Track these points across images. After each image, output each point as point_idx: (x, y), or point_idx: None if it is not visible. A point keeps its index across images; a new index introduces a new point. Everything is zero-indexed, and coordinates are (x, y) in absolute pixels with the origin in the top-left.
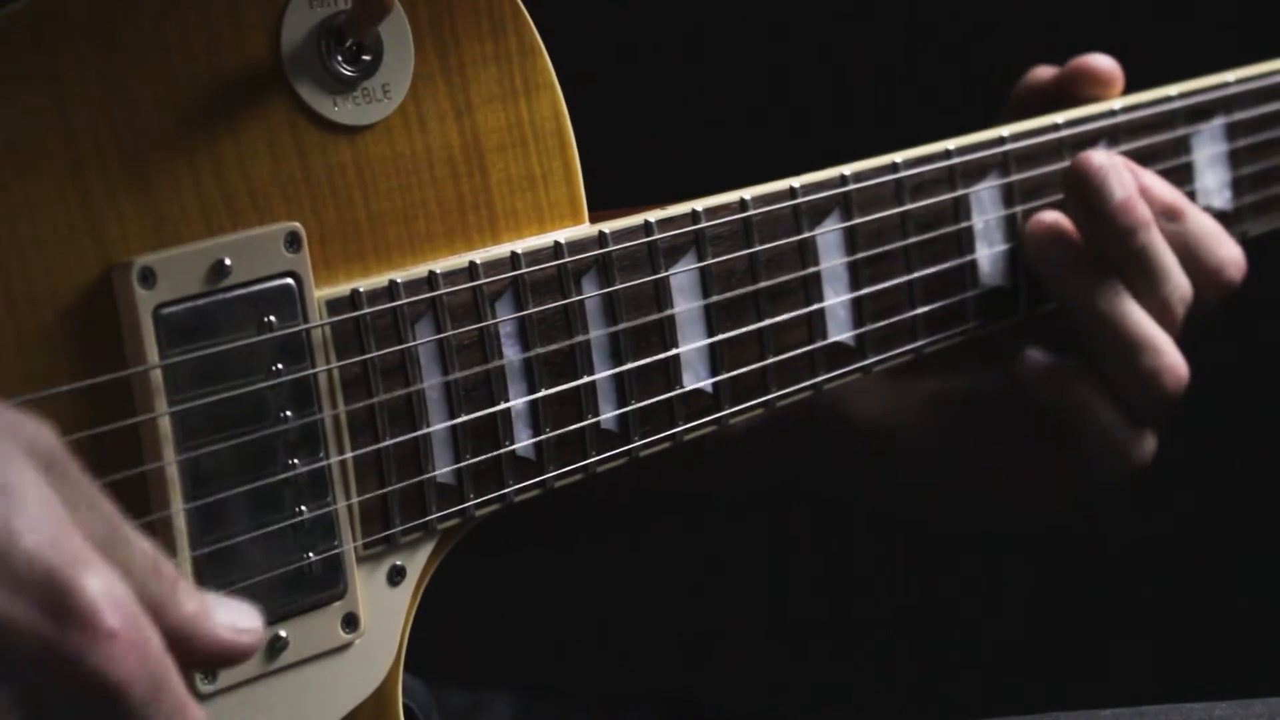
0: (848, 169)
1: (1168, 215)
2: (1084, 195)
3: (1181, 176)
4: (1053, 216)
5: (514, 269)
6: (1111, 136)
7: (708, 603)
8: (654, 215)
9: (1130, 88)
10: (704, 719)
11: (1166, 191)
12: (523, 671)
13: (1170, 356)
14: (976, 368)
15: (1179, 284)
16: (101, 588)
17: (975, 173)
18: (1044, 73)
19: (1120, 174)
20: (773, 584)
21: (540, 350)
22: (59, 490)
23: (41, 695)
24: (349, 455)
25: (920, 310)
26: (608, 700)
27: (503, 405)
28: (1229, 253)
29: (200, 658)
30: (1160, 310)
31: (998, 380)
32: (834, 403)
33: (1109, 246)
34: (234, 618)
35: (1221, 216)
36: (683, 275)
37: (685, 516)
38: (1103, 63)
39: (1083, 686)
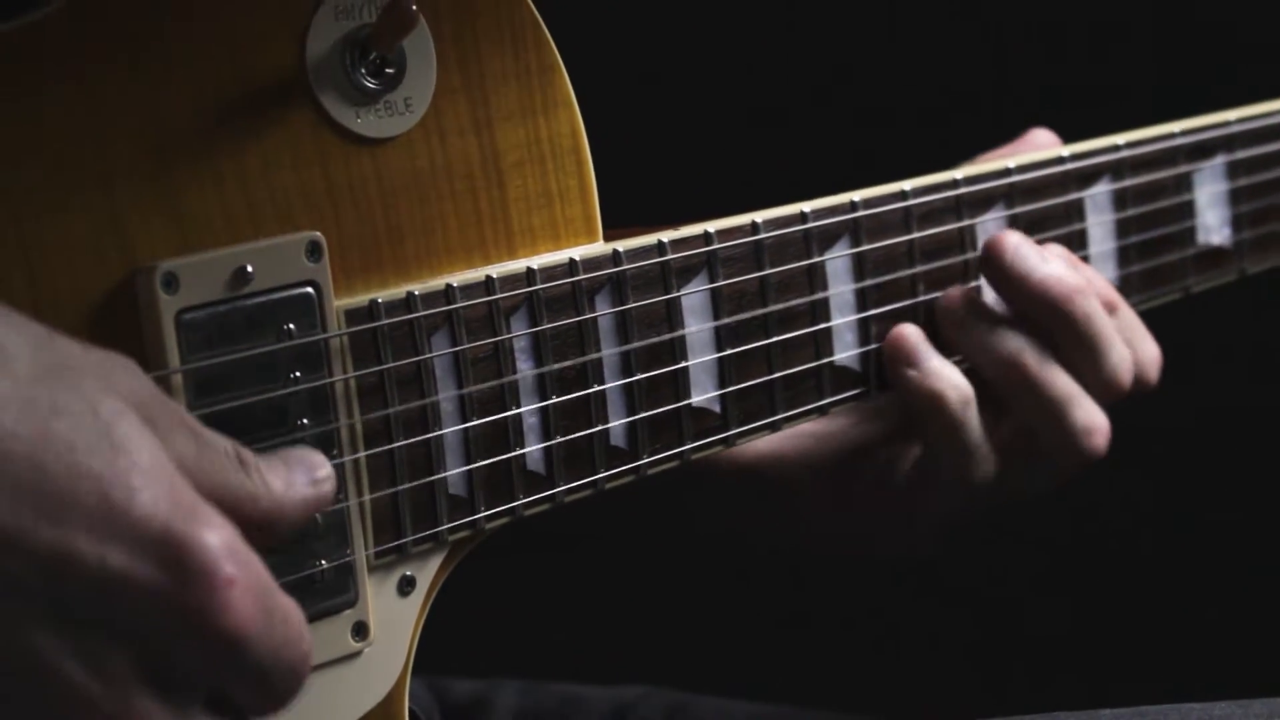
0: (858, 195)
1: (1108, 306)
2: (1003, 277)
3: (1183, 213)
4: (961, 289)
5: (529, 285)
6: (1115, 171)
7: (708, 598)
8: (667, 235)
9: (1133, 124)
10: (704, 713)
11: (1105, 285)
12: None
13: (1094, 413)
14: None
15: (1123, 356)
16: (216, 539)
17: (981, 203)
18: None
19: (1036, 251)
20: (774, 581)
21: (553, 366)
22: (160, 435)
23: (164, 648)
24: (362, 454)
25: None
26: (609, 693)
27: (515, 418)
28: (1153, 351)
29: (294, 523)
30: (1103, 383)
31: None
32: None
33: (1041, 315)
34: (309, 472)
35: (1220, 253)
36: (694, 296)
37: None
38: (1040, 139)
39: (1083, 687)
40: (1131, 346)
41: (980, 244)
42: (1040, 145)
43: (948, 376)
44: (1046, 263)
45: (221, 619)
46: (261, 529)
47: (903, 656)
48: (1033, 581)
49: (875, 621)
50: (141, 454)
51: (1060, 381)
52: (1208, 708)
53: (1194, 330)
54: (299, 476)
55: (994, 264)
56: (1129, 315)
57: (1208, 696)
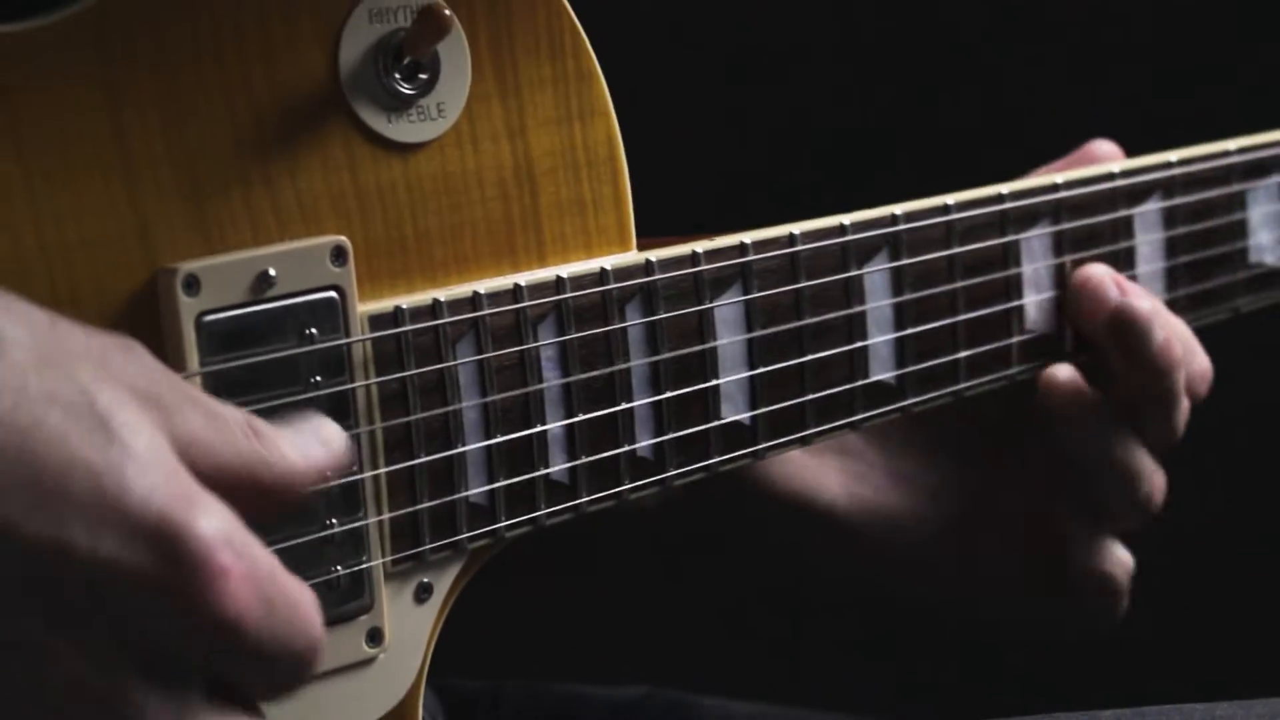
0: (899, 208)
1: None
2: (1128, 338)
3: (1236, 233)
4: (1069, 373)
5: (558, 293)
6: (1167, 189)
7: (710, 598)
8: (701, 246)
9: (1187, 142)
10: (706, 714)
11: (1159, 308)
12: (526, 665)
13: (1160, 478)
14: (944, 464)
15: (1184, 416)
16: (211, 526)
17: (1027, 219)
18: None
19: (1163, 317)
20: (775, 582)
21: (580, 376)
22: (165, 415)
23: (160, 638)
24: (382, 471)
25: (964, 354)
26: (611, 693)
27: (539, 429)
28: (1204, 364)
29: (307, 492)
30: (1166, 441)
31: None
32: (762, 477)
33: (1140, 387)
34: (321, 434)
35: (1273, 274)
36: (727, 308)
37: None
38: (1102, 150)
39: (1084, 687)
40: (1169, 349)
41: (1023, 260)
42: (1101, 157)
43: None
44: (1163, 328)
45: (217, 607)
46: (278, 494)
47: (903, 657)
48: None
49: (876, 622)
50: (137, 441)
51: (1137, 457)
52: (1209, 708)
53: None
54: (311, 441)
55: (1129, 328)
56: (1181, 330)
57: (1209, 697)
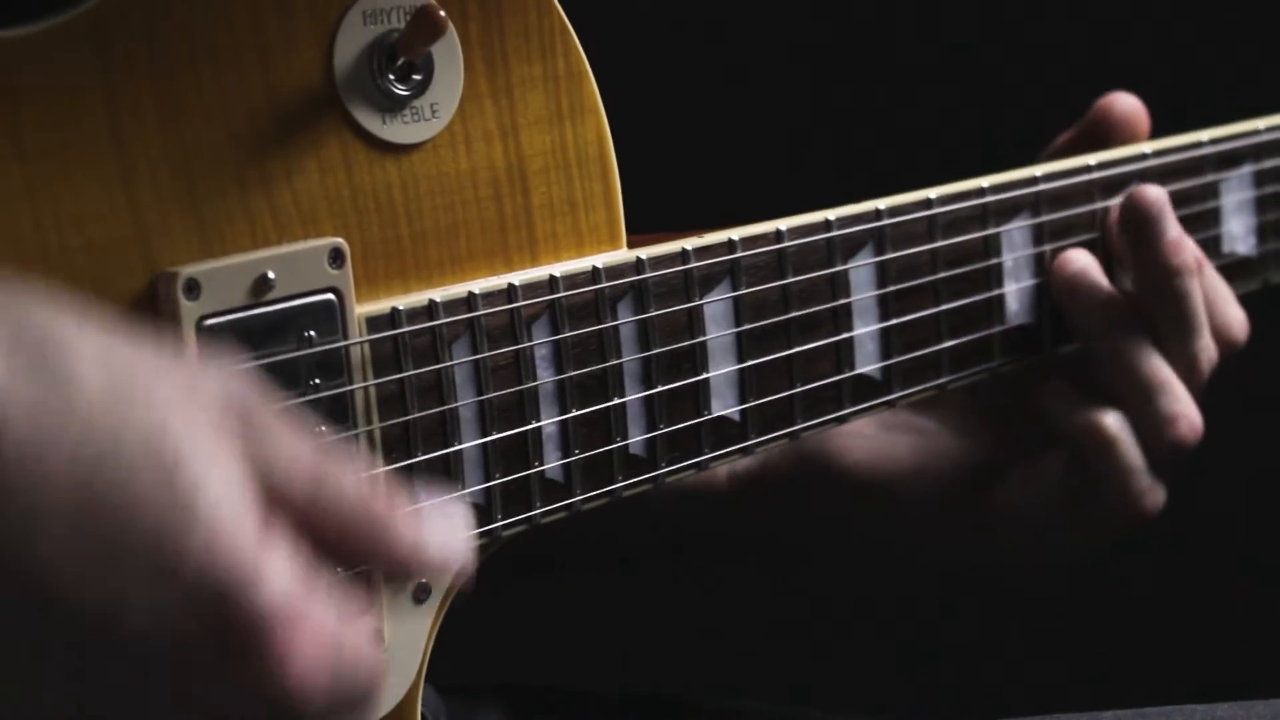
0: (882, 203)
1: (1198, 265)
2: (1139, 227)
3: (1209, 222)
4: (1082, 255)
5: (552, 292)
6: (1142, 180)
7: (711, 599)
8: (691, 243)
9: (1160, 133)
10: (706, 714)
11: (1194, 246)
12: (528, 665)
13: (1186, 404)
14: (977, 426)
15: (1207, 342)
16: (271, 596)
17: (1008, 211)
18: (1067, 135)
19: (1172, 213)
20: (773, 583)
21: (574, 374)
22: (252, 462)
23: (220, 709)
24: (381, 470)
25: (947, 345)
26: (604, 700)
27: (534, 427)
28: (1237, 314)
29: (419, 578)
30: (1187, 366)
31: (999, 438)
32: (824, 453)
33: (1149, 286)
34: (447, 530)
35: (1245, 263)
36: (717, 304)
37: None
38: (1125, 104)
39: (1085, 688)
40: (1216, 312)
41: (1003, 251)
42: (1122, 114)
43: None
44: (1174, 227)
45: (280, 678)
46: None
47: (904, 657)
48: (1034, 582)
49: (876, 622)
50: (205, 497)
51: (1154, 364)
52: (1210, 709)
53: None
54: (436, 535)
55: (1141, 212)
56: (1212, 278)
57: (1211, 698)
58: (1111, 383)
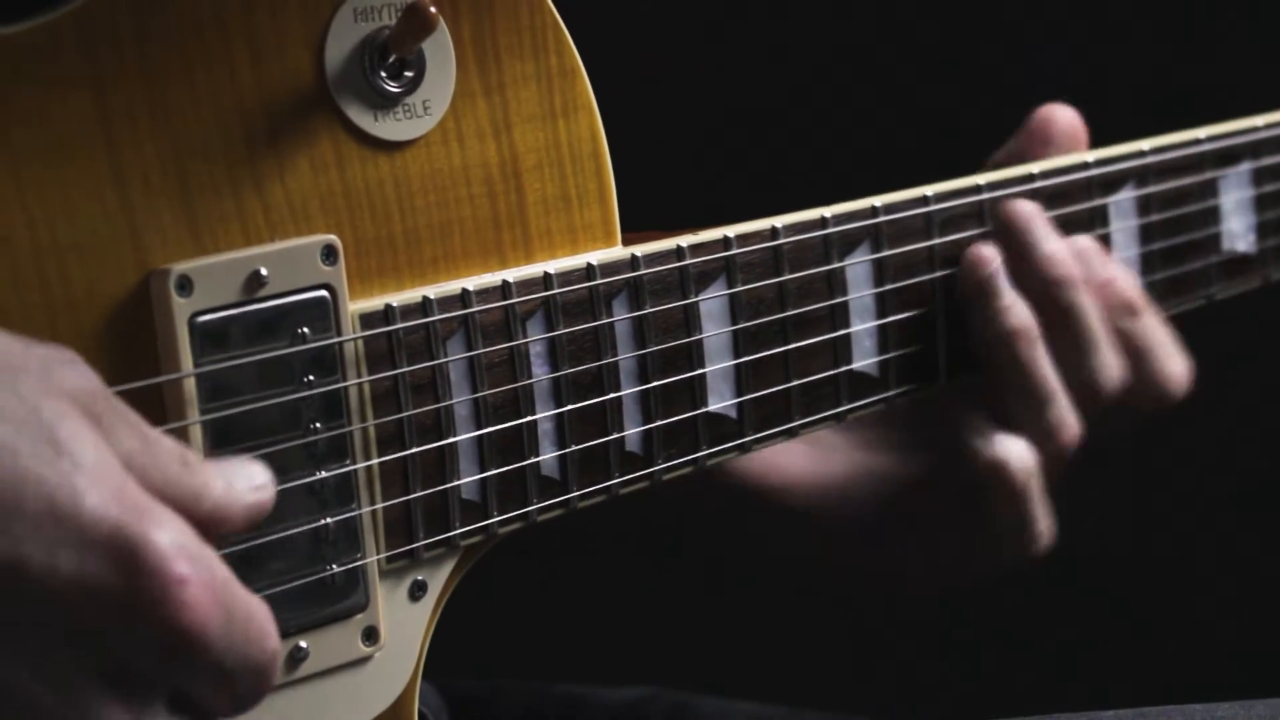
0: (879, 200)
1: (1125, 310)
2: (1013, 243)
3: (1208, 219)
4: (991, 254)
5: (546, 289)
6: (1141, 177)
7: (712, 599)
8: (686, 240)
9: (1158, 130)
10: (708, 714)
11: (1128, 288)
12: (529, 665)
13: (1067, 412)
14: (898, 443)
15: (1108, 363)
16: (168, 537)
17: None
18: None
19: (1046, 227)
20: (775, 582)
21: (569, 371)
22: (105, 434)
23: (121, 650)
24: (375, 461)
25: (943, 343)
26: (614, 694)
27: (529, 422)
28: (1176, 368)
29: (234, 529)
30: (1082, 383)
31: (919, 455)
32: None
33: (1034, 300)
34: (250, 478)
35: (1245, 261)
36: (712, 301)
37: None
38: (1060, 116)
39: (1085, 688)
40: (1143, 358)
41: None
42: (1056, 126)
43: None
44: (1049, 241)
45: (177, 617)
46: (205, 530)
47: (904, 657)
48: (1034, 582)
49: (877, 622)
50: (86, 454)
51: (1043, 372)
52: (1210, 709)
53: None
54: (240, 482)
55: (1008, 229)
56: (1151, 325)
57: (1211, 697)
58: (1003, 386)
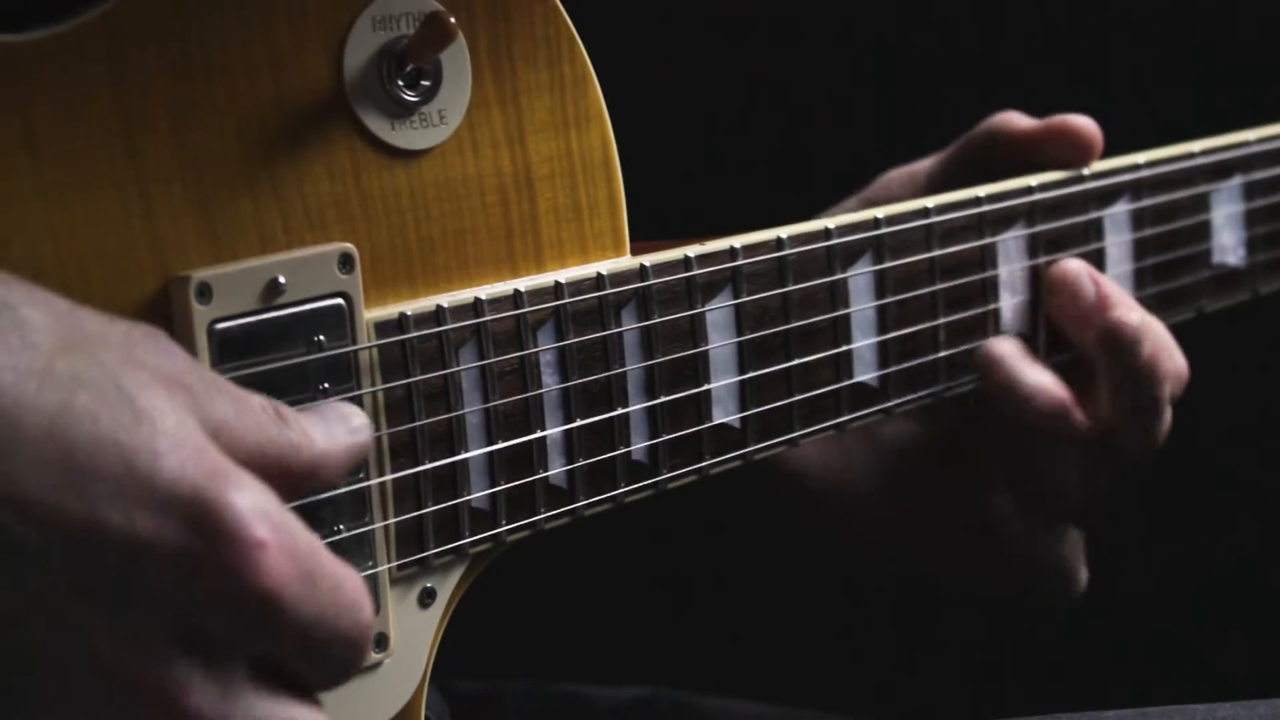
0: (881, 211)
1: (1132, 340)
2: (1118, 353)
3: (1200, 234)
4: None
5: (557, 298)
6: (1134, 191)
7: (713, 599)
8: (693, 250)
9: (1150, 143)
10: (709, 714)
11: (1126, 311)
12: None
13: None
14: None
15: (1168, 421)
16: (246, 500)
17: (1003, 221)
18: (1019, 123)
19: (1151, 329)
20: (777, 581)
21: (578, 380)
22: (187, 399)
23: (199, 614)
24: (389, 477)
25: (943, 354)
26: (615, 694)
27: (539, 434)
28: (1179, 366)
29: (337, 474)
30: (1147, 449)
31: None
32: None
33: (1126, 399)
34: (346, 420)
35: (1235, 274)
36: (718, 312)
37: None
38: (1084, 124)
39: (1085, 688)
40: (1155, 363)
41: (999, 261)
42: (1015, 127)
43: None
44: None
45: (254, 581)
46: (309, 479)
47: (904, 657)
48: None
49: (877, 622)
50: (165, 420)
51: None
52: (1211, 709)
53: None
54: (337, 426)
55: (1118, 342)
56: (1159, 330)
57: (1212, 698)
58: (1114, 391)
